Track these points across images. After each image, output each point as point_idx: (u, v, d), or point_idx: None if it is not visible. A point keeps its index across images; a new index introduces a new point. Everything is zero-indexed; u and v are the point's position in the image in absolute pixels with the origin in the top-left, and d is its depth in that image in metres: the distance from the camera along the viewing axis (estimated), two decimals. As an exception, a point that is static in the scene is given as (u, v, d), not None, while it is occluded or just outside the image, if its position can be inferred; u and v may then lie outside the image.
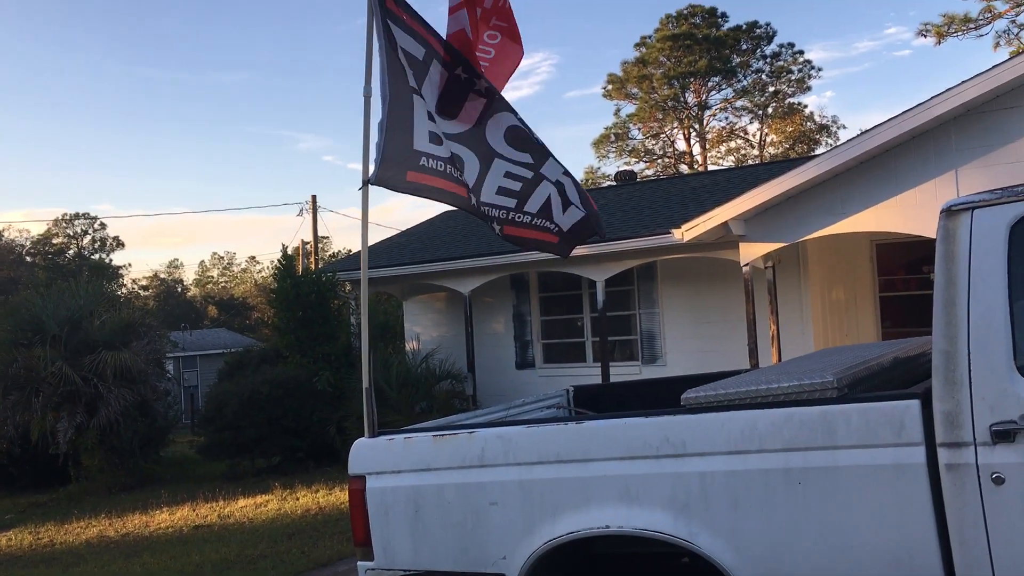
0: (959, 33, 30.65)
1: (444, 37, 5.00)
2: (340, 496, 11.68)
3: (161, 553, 9.50)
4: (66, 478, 15.20)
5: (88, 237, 58.12)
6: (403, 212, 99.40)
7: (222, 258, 70.64)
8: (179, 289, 63.51)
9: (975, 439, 3.25)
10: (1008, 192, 3.35)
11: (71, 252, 56.97)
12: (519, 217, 5.29)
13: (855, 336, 13.27)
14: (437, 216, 20.32)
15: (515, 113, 5.18)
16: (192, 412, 25.56)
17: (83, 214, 57.86)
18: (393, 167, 4.66)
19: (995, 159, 9.86)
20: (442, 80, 4.95)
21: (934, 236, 10.84)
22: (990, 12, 30.55)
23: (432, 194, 4.81)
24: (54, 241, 56.93)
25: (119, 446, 14.80)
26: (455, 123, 5.06)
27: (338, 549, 8.83)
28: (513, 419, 5.06)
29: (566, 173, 5.34)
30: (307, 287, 15.78)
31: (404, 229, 20.18)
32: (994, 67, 9.75)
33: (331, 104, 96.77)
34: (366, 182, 4.70)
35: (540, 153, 5.25)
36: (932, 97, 10.03)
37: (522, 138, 5.21)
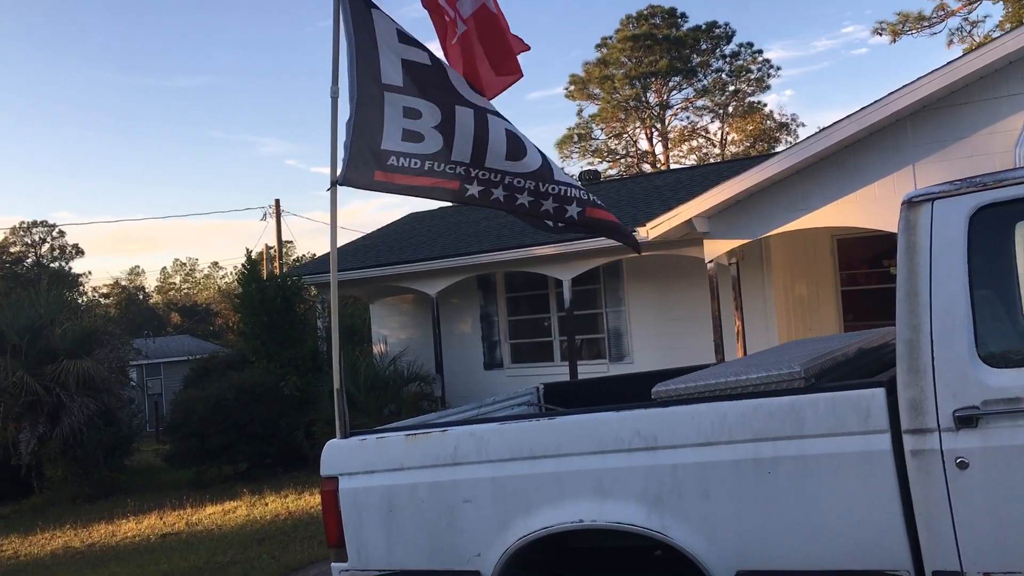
0: (914, 31, 31.19)
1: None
2: (310, 500, 11.62)
3: (128, 562, 9.39)
4: (29, 489, 14.97)
5: (47, 245, 57.22)
6: (369, 214, 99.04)
7: (184, 264, 69.87)
8: (141, 296, 62.72)
9: (939, 425, 3.32)
10: (967, 183, 3.43)
11: (29, 260, 56.03)
12: (592, 198, 5.16)
13: (818, 330, 13.44)
14: (403, 218, 20.27)
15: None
16: (157, 420, 25.26)
17: (41, 222, 56.96)
18: (361, 167, 4.64)
19: (951, 153, 10.05)
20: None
21: (894, 230, 11.00)
22: (943, 10, 31.12)
23: (404, 191, 4.78)
24: (11, 250, 55.96)
25: (83, 456, 14.59)
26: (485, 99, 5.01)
27: (309, 553, 8.78)
28: (485, 417, 5.07)
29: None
30: (272, 291, 15.67)
31: (370, 231, 20.11)
32: (949, 63, 9.94)
33: (294, 108, 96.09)
34: (334, 182, 4.69)
35: (541, 155, 5.14)
36: (889, 94, 10.20)
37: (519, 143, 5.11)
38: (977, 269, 3.36)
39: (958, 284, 3.36)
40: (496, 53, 5.25)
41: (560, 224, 5.18)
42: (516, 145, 4.98)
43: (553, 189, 5.02)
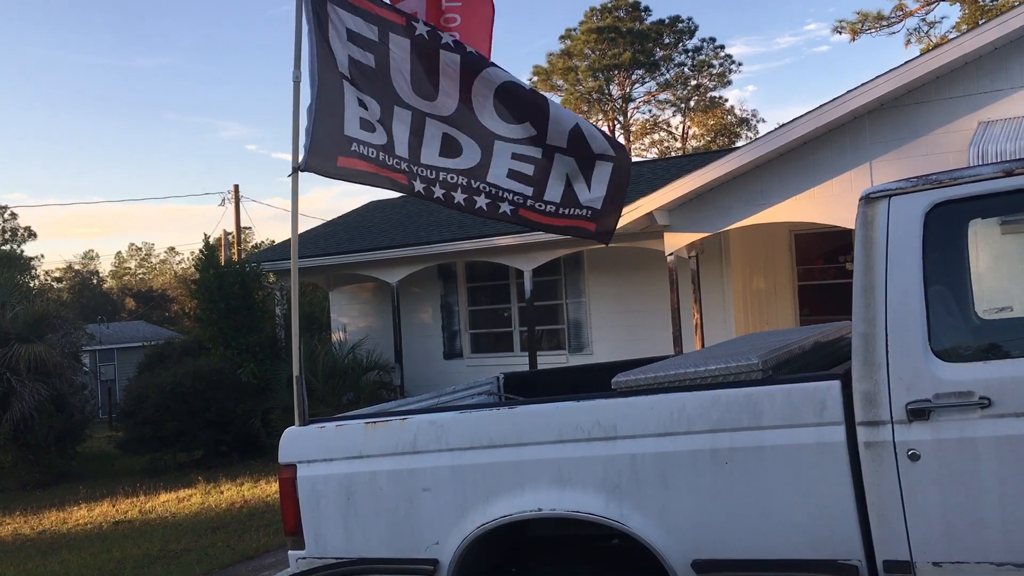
0: (872, 30, 31.61)
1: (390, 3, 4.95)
2: (266, 489, 11.54)
3: (80, 550, 9.25)
4: (-23, 476, 14.69)
5: (-3, 227, 56.00)
6: (328, 201, 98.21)
7: (140, 249, 68.80)
8: (95, 281, 61.63)
9: (892, 418, 3.38)
10: (924, 180, 3.49)
11: (-21, 243, 54.80)
12: (539, 205, 5.12)
13: (775, 323, 13.61)
14: (364, 206, 20.15)
15: (496, 66, 4.99)
16: (110, 406, 24.88)
17: (-8, 203, 55.75)
18: (323, 153, 4.61)
19: (908, 151, 10.22)
20: (409, 53, 4.85)
21: (850, 226, 11.18)
22: (901, 10, 31.56)
23: (366, 179, 4.76)
24: (-39, 231, 54.71)
25: (33, 442, 14.35)
26: (438, 104, 4.92)
27: (264, 542, 8.72)
28: (445, 406, 5.07)
29: (576, 125, 5.10)
30: (231, 278, 15.51)
31: (331, 219, 19.96)
32: (907, 63, 10.11)
33: (255, 92, 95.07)
34: (296, 168, 4.65)
35: (539, 112, 5.03)
36: (848, 92, 10.35)
37: (516, 102, 5.01)
38: (932, 265, 3.42)
39: (913, 279, 3.42)
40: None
41: (497, 218, 5.22)
42: (451, 144, 5.02)
43: (485, 187, 5.05)
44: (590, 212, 5.25)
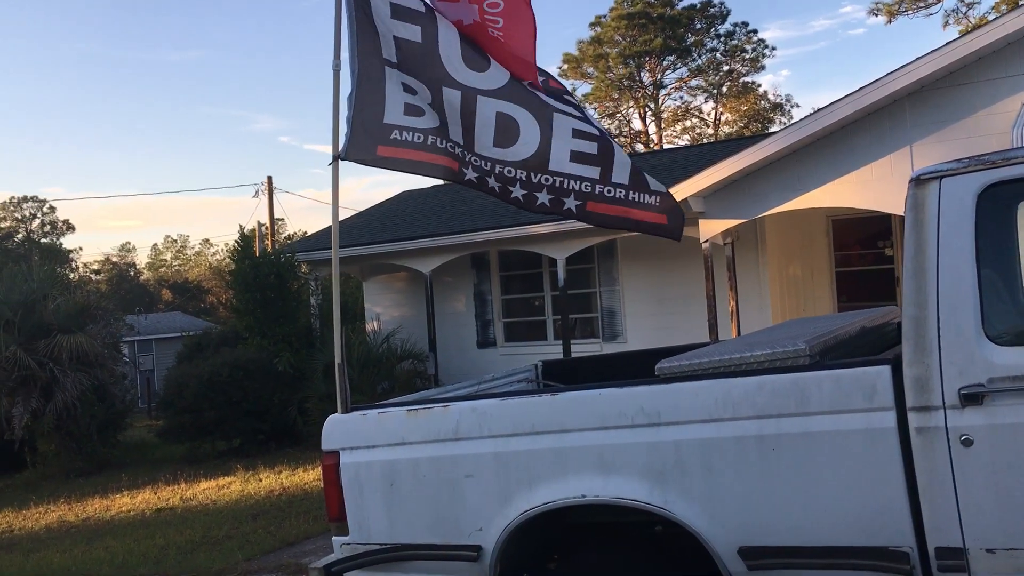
0: (909, 12, 31.13)
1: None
2: (303, 477, 11.64)
3: (124, 536, 9.40)
4: (22, 464, 14.96)
5: (37, 220, 56.91)
6: (361, 191, 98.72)
7: (175, 241, 69.59)
8: (132, 273, 62.46)
9: (944, 403, 3.32)
10: (975, 161, 3.42)
11: (19, 236, 55.72)
12: (608, 191, 4.77)
13: (812, 310, 13.48)
14: (397, 195, 20.20)
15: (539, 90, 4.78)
16: (149, 396, 25.22)
17: (32, 197, 56.63)
18: (363, 142, 4.60)
19: (949, 134, 10.05)
20: (455, 31, 4.71)
21: (889, 211, 10.99)
22: (939, -9, 31.03)
23: (407, 167, 4.73)
24: (1, 225, 55.64)
25: (76, 431, 14.59)
26: (490, 75, 4.69)
27: (304, 528, 8.80)
28: (486, 393, 5.07)
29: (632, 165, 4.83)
30: (266, 268, 15.63)
31: (364, 209, 20.04)
32: (947, 44, 9.93)
33: (287, 84, 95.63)
34: (336, 157, 4.65)
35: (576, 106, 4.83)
36: (887, 74, 10.19)
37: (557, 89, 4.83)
38: (984, 247, 3.35)
39: (965, 262, 3.35)
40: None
41: (562, 215, 4.96)
42: (507, 126, 4.73)
43: (547, 180, 4.78)
44: (658, 200, 4.92)
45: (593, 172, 4.83)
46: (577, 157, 4.79)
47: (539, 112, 4.79)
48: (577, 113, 4.95)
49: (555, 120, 4.77)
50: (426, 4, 4.76)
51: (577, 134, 4.80)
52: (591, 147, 4.82)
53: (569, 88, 5.03)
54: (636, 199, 4.89)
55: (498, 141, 4.75)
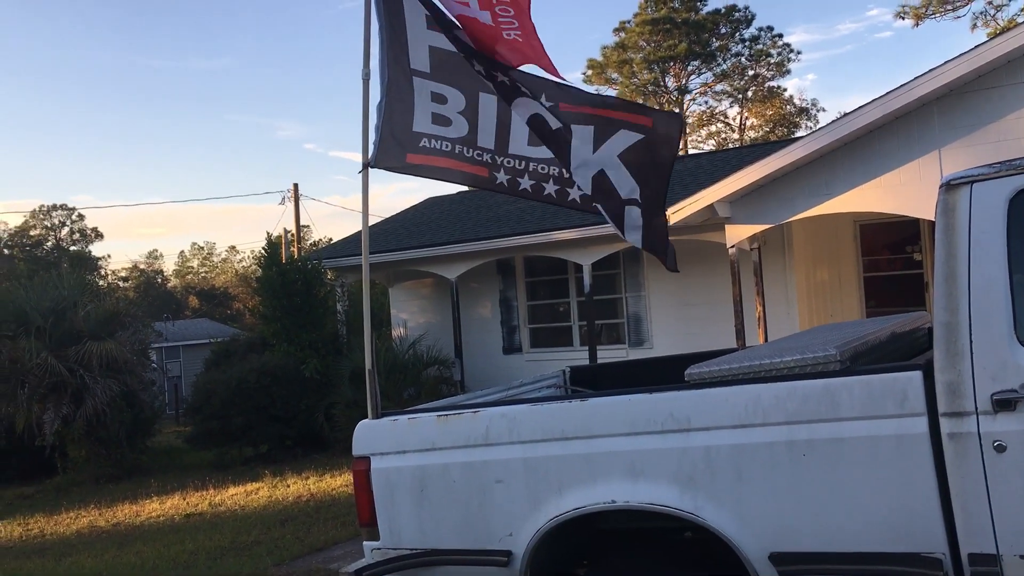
0: (937, 15, 30.88)
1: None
2: (331, 483, 11.70)
3: (154, 542, 9.49)
4: (52, 470, 15.12)
5: (66, 228, 57.61)
6: (386, 198, 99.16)
7: (202, 248, 70.20)
8: (159, 280, 63.09)
9: (977, 408, 3.31)
10: (1007, 166, 3.41)
11: (49, 244, 56.45)
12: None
13: (840, 316, 13.39)
14: (423, 201, 20.30)
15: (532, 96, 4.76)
16: (177, 402, 25.45)
17: (61, 205, 57.37)
18: (392, 149, 4.66)
19: (978, 139, 9.97)
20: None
21: (918, 216, 10.88)
22: (967, -6, 30.77)
23: (436, 174, 4.79)
24: (32, 233, 56.38)
25: (106, 437, 14.73)
26: (520, 78, 4.75)
27: (332, 534, 8.85)
28: (516, 398, 5.10)
29: (600, 171, 4.85)
30: (293, 275, 15.75)
31: (389, 216, 20.13)
32: (976, 47, 9.86)
33: (312, 91, 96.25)
34: (366, 165, 4.70)
35: (564, 149, 4.80)
36: (915, 78, 10.12)
37: (544, 134, 4.82)
38: (1016, 252, 3.34)
39: (997, 267, 3.34)
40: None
41: (590, 211, 5.09)
42: (541, 130, 4.81)
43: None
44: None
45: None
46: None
47: (564, 120, 4.85)
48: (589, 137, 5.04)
49: (574, 130, 4.88)
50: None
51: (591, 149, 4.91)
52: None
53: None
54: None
55: (532, 140, 4.88)
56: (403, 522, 4.38)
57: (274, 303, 15.69)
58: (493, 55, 4.72)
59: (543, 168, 4.92)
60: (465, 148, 4.80)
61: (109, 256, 66.54)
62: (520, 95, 4.77)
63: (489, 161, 4.85)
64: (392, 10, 4.76)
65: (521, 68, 4.78)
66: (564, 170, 4.90)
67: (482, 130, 4.83)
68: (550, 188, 4.95)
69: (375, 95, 4.72)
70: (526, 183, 4.90)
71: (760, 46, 41.51)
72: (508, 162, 4.88)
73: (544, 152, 4.89)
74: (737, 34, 41.39)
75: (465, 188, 17.01)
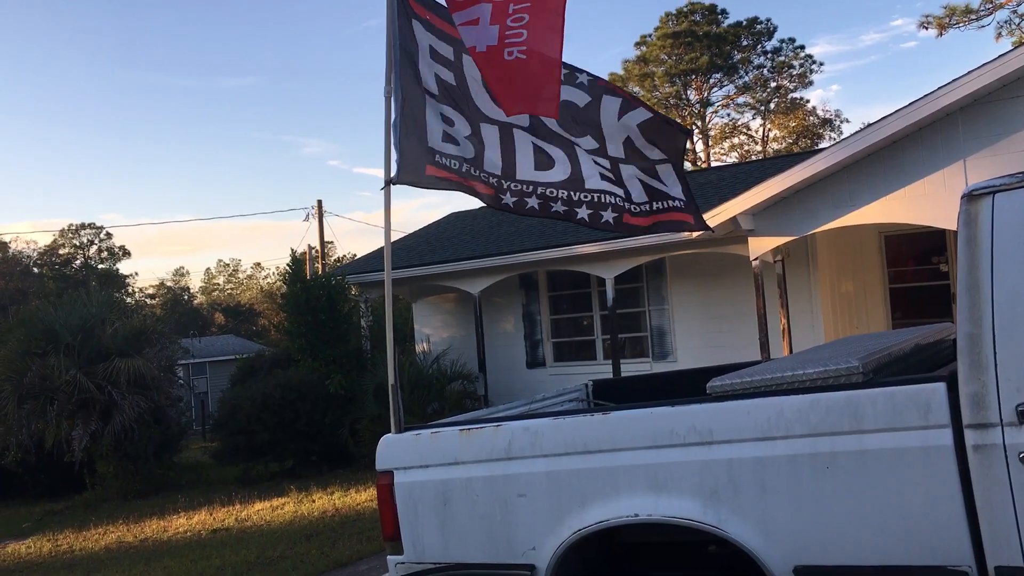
0: (961, 24, 30.65)
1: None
2: (356, 498, 11.73)
3: (181, 557, 9.56)
4: (81, 485, 15.27)
5: (94, 247, 58.29)
6: (409, 213, 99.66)
7: (227, 265, 70.82)
8: (185, 297, 63.67)
9: (1002, 420, 3.28)
10: (1029, 175, 3.39)
11: (78, 262, 57.12)
12: (635, 208, 5.19)
13: (865, 328, 13.29)
14: (445, 217, 20.37)
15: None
16: (203, 418, 25.64)
17: (89, 224, 58.08)
18: (412, 163, 4.71)
19: (1003, 148, 9.90)
20: (477, 70, 4.93)
21: (943, 226, 10.81)
22: (991, 3, 30.55)
23: (454, 186, 4.86)
24: (60, 251, 57.09)
25: (134, 453, 14.87)
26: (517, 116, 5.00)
27: (357, 549, 8.88)
28: (538, 412, 5.11)
29: (628, 138, 5.16)
30: (317, 290, 15.83)
31: (412, 231, 20.23)
32: (1000, 56, 9.79)
33: (336, 108, 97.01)
34: (388, 182, 4.75)
35: (594, 125, 5.10)
36: (939, 88, 10.07)
37: (573, 116, 5.08)
38: (1040, 262, 3.31)
39: (1020, 277, 3.32)
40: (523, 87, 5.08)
41: (600, 227, 5.25)
42: (543, 158, 5.08)
43: (587, 197, 5.10)
44: (682, 203, 5.28)
45: (619, 191, 5.19)
46: (605, 177, 5.14)
47: (565, 147, 5.12)
48: (594, 144, 5.19)
49: (578, 152, 5.13)
50: (453, 45, 4.92)
51: (597, 161, 5.14)
52: (610, 175, 5.17)
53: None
54: (660, 207, 5.26)
55: (539, 166, 5.10)
56: (426, 536, 4.40)
57: (299, 319, 15.78)
58: (491, 92, 4.88)
59: (551, 192, 5.08)
60: (472, 168, 4.94)
61: (136, 274, 67.40)
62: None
63: (495, 184, 5.02)
64: (406, 29, 4.84)
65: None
66: (572, 192, 5.07)
67: (487, 157, 5.01)
68: (557, 207, 5.12)
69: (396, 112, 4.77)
70: (533, 202, 5.06)
71: (782, 58, 41.44)
72: (516, 186, 5.06)
73: (552, 176, 5.07)
74: (759, 46, 41.34)
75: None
